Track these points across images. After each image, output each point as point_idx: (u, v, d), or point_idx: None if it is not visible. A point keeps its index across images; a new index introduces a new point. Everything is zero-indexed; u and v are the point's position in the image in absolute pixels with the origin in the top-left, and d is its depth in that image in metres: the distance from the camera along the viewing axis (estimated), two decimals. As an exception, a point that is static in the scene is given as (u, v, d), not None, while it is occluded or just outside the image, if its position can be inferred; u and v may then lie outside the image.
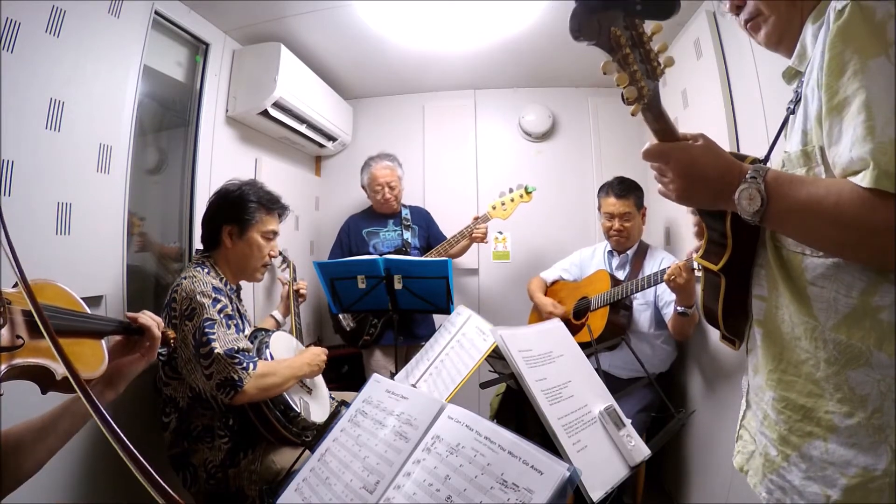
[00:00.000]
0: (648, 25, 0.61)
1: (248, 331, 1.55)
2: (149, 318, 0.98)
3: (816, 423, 0.66)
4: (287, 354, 1.57)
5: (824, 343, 0.66)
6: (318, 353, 1.56)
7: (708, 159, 0.66)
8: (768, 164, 0.79)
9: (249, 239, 1.55)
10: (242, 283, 1.68)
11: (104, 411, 0.45)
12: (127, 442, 0.41)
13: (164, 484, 0.40)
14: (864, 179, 0.56)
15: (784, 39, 0.75)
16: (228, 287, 1.54)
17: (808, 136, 0.68)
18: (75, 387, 0.50)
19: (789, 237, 0.70)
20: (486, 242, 2.42)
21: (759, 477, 0.76)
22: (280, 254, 2.25)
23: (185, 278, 1.41)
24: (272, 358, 1.47)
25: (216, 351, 1.28)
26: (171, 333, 1.11)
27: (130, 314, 0.98)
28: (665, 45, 0.63)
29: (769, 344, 0.74)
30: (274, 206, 1.62)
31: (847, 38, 0.58)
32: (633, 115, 0.65)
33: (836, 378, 0.64)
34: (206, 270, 1.47)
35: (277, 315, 2.00)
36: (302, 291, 2.05)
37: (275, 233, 1.62)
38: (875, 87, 0.56)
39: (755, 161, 0.74)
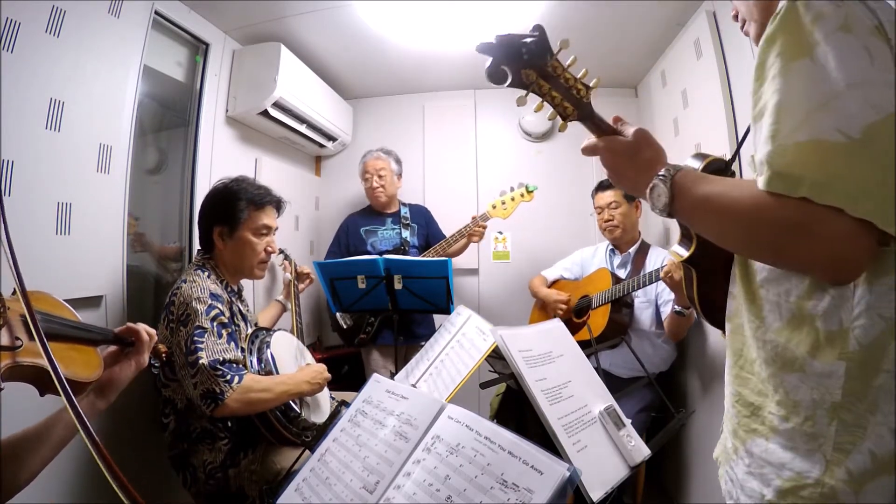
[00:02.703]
0: (567, 58, 0.74)
1: (249, 331, 1.55)
2: (135, 326, 1.00)
3: (761, 421, 0.67)
4: (288, 355, 1.57)
5: (763, 343, 0.67)
6: (320, 372, 1.51)
7: (625, 157, 0.73)
8: (734, 166, 0.81)
9: (241, 238, 1.51)
10: (245, 281, 1.67)
11: (79, 408, 0.46)
12: (99, 443, 0.41)
13: (129, 486, 0.40)
14: (761, 182, 0.57)
15: None
16: (228, 290, 1.53)
17: None
18: (56, 383, 0.50)
19: (700, 233, 0.73)
20: (481, 240, 2.36)
21: (722, 468, 0.78)
22: (280, 252, 2.26)
23: (184, 281, 1.40)
24: (273, 358, 1.47)
25: (201, 361, 1.27)
26: (162, 348, 1.12)
27: (121, 328, 0.99)
28: (586, 72, 0.75)
29: (732, 340, 0.75)
30: (263, 200, 1.55)
31: (773, 41, 0.58)
32: (560, 130, 0.80)
33: (774, 380, 0.65)
34: (206, 273, 1.46)
35: (282, 299, 2.06)
36: (306, 271, 2.13)
37: (268, 227, 1.57)
38: (790, 91, 0.56)
39: (717, 160, 0.77)
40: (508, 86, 0.72)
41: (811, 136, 0.54)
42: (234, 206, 1.51)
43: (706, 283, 0.82)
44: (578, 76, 0.74)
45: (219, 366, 1.29)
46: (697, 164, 0.77)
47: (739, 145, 0.86)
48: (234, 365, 1.33)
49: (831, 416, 0.58)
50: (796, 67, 0.56)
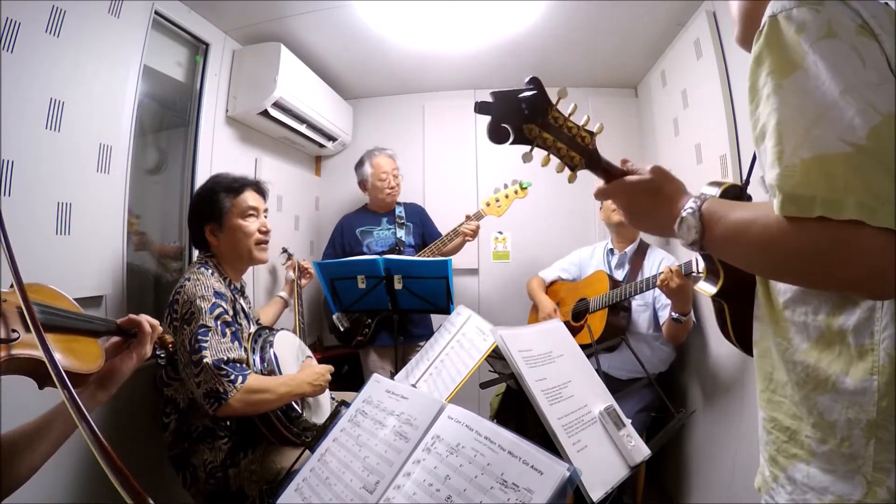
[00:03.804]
0: (567, 107, 0.72)
1: (252, 330, 1.55)
2: (137, 317, 0.99)
3: (800, 445, 0.65)
4: (290, 356, 1.57)
5: (793, 365, 0.65)
6: (322, 373, 1.50)
7: (646, 196, 0.71)
8: (749, 187, 0.80)
9: (230, 226, 1.52)
10: (246, 278, 1.66)
11: (83, 407, 0.45)
12: (100, 436, 0.41)
13: (133, 481, 0.39)
14: (776, 207, 0.55)
15: (744, 41, 0.74)
16: (231, 287, 1.53)
17: None
18: (52, 375, 0.50)
19: (732, 263, 0.69)
20: (474, 238, 2.31)
21: (763, 497, 0.76)
22: (284, 251, 2.26)
23: (187, 279, 1.40)
24: (276, 358, 1.47)
25: (205, 360, 1.27)
26: (168, 338, 1.12)
27: (123, 319, 0.98)
28: (588, 119, 0.74)
29: (761, 364, 0.74)
30: (239, 185, 1.56)
31: (761, 61, 0.57)
32: (570, 181, 0.77)
33: (807, 402, 0.63)
34: (209, 271, 1.46)
35: (285, 295, 2.08)
36: (306, 265, 2.16)
37: (255, 208, 1.57)
38: (787, 109, 0.54)
39: (732, 187, 0.75)
40: (511, 143, 0.71)
41: (815, 152, 0.52)
42: (215, 199, 1.52)
43: (738, 313, 0.80)
44: (581, 123, 0.72)
45: (223, 365, 1.29)
46: (714, 192, 0.74)
47: (751, 168, 0.83)
48: (238, 365, 1.33)
49: (868, 435, 0.57)
50: (788, 84, 0.54)
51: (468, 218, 2.27)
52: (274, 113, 2.16)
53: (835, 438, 0.60)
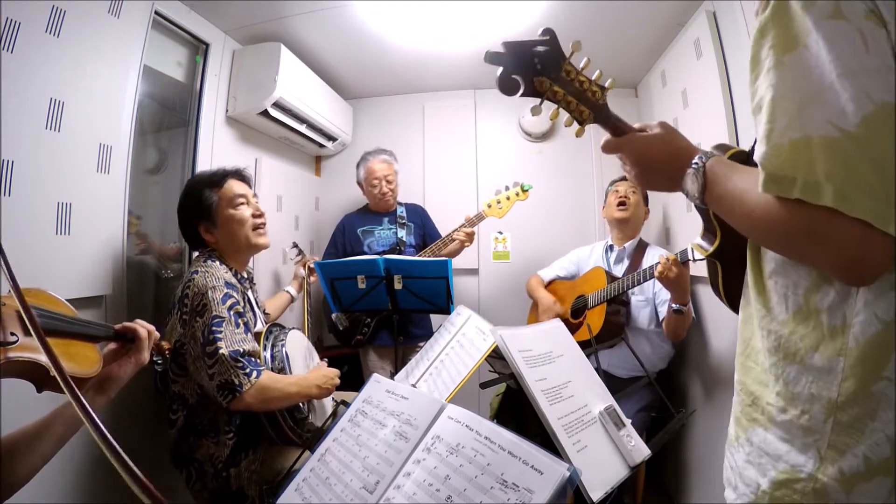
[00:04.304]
0: (580, 60, 0.72)
1: (259, 324, 1.54)
2: (134, 324, 1.00)
3: (761, 411, 0.67)
4: (300, 356, 1.57)
5: (768, 333, 0.66)
6: (331, 376, 1.49)
7: (658, 147, 0.72)
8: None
9: (223, 218, 1.50)
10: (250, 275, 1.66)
11: (88, 406, 0.45)
12: (110, 438, 0.41)
13: (146, 480, 0.40)
14: (759, 184, 0.56)
15: None
16: (239, 277, 1.52)
17: None
18: (59, 380, 0.50)
19: (728, 223, 0.71)
20: (470, 244, 2.28)
21: (726, 452, 0.78)
22: (294, 245, 2.27)
23: (196, 272, 1.39)
24: (287, 357, 1.47)
25: (221, 351, 1.27)
26: (165, 345, 1.12)
27: (119, 326, 0.99)
28: (601, 74, 0.73)
29: (743, 329, 0.75)
30: (220, 177, 1.54)
31: (765, 33, 0.57)
32: (577, 135, 0.76)
33: (774, 370, 0.65)
34: (217, 262, 1.46)
35: (292, 290, 2.08)
36: (312, 265, 2.14)
37: (242, 195, 1.54)
38: (783, 86, 0.54)
39: (739, 153, 0.75)
40: (521, 95, 0.70)
41: (803, 133, 0.52)
42: (199, 197, 1.50)
43: (731, 274, 0.81)
44: (593, 78, 0.72)
45: (240, 357, 1.29)
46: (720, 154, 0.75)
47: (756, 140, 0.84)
48: (253, 359, 1.33)
49: (828, 413, 0.58)
50: (788, 60, 0.54)
51: (467, 219, 2.27)
52: (274, 113, 2.16)
53: (795, 409, 0.61)
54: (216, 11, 1.94)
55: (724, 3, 1.75)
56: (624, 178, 2.16)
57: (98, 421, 0.43)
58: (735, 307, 0.84)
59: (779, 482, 0.62)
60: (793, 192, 0.52)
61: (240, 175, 1.59)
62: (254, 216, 1.55)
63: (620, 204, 2.11)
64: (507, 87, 0.68)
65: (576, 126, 0.76)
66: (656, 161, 0.72)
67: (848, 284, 0.57)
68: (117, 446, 0.40)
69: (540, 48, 0.68)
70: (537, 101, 0.72)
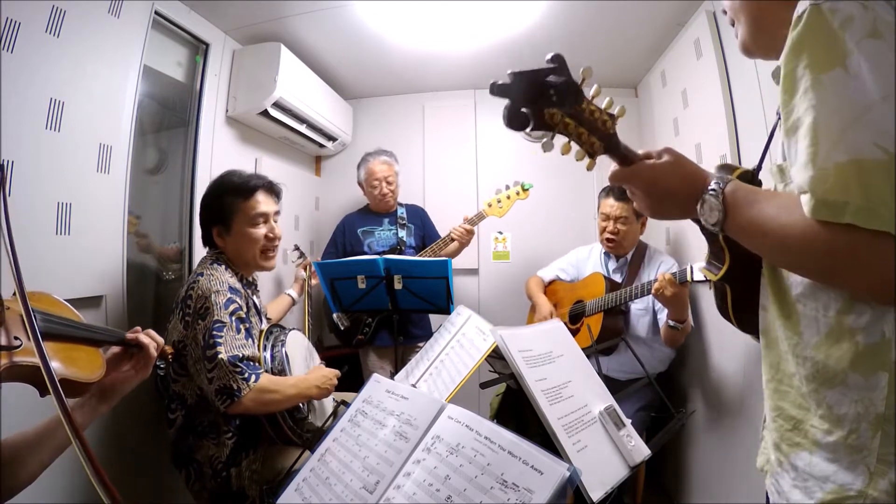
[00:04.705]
0: (588, 90, 0.66)
1: (263, 326, 1.54)
2: (147, 338, 0.99)
3: (804, 435, 0.66)
4: (300, 356, 1.57)
5: (804, 360, 0.65)
6: (329, 377, 1.49)
7: (668, 176, 0.69)
8: (761, 173, 0.78)
9: (237, 233, 1.48)
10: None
11: (68, 408, 0.45)
12: (87, 442, 0.41)
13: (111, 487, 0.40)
14: (806, 210, 0.55)
15: (755, 45, 0.73)
16: (244, 282, 1.52)
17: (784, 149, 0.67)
18: (46, 380, 0.50)
19: (750, 249, 0.69)
20: (468, 243, 2.29)
21: (768, 479, 0.77)
22: (296, 248, 2.27)
23: (200, 275, 1.39)
24: (287, 358, 1.47)
25: (220, 356, 1.27)
26: (168, 349, 1.11)
27: (131, 335, 0.98)
28: (611, 101, 0.69)
29: (767, 353, 0.74)
30: (248, 187, 1.49)
31: (800, 50, 0.55)
32: (588, 169, 0.72)
33: (815, 395, 0.64)
34: (223, 267, 1.45)
35: (293, 293, 2.08)
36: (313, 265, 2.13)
37: (264, 214, 1.50)
38: (824, 108, 0.53)
39: (745, 173, 0.74)
40: (531, 130, 0.64)
41: (850, 156, 0.51)
42: (221, 202, 1.48)
43: (740, 298, 0.80)
44: (603, 106, 0.68)
45: (238, 363, 1.29)
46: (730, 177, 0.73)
47: (764, 151, 0.82)
48: (252, 363, 1.33)
49: (875, 428, 0.57)
50: (828, 80, 0.53)
51: (466, 220, 2.27)
52: (274, 113, 2.16)
53: (842, 430, 0.60)
54: (216, 11, 1.94)
55: (724, 4, 1.75)
56: (608, 196, 2.04)
57: (76, 423, 0.43)
58: (745, 329, 0.83)
59: (827, 502, 0.61)
60: (844, 217, 0.51)
61: (271, 188, 1.56)
62: (266, 237, 1.51)
63: (609, 236, 2.04)
64: (515, 121, 0.63)
65: (587, 160, 0.72)
66: (667, 190, 0.70)
67: (884, 305, 0.57)
68: (91, 451, 0.40)
69: (553, 77, 0.62)
70: (546, 135, 0.67)
